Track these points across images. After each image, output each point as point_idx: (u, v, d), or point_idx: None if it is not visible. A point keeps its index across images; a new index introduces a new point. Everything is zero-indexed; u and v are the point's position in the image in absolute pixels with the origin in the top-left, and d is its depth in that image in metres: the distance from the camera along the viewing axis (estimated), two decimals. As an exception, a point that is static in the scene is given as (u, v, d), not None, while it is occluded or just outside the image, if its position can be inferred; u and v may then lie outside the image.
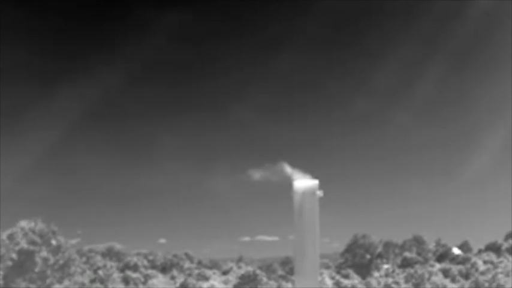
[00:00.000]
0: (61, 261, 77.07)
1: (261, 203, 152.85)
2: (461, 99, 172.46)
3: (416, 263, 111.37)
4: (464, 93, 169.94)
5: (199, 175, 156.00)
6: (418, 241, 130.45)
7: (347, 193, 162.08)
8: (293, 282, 55.01)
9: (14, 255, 73.56)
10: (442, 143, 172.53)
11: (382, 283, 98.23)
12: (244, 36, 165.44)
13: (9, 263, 73.05)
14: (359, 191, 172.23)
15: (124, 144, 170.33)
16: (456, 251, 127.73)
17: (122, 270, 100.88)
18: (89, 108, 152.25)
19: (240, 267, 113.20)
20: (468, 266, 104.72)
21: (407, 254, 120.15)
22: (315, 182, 30.11)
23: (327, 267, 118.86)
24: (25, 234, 75.58)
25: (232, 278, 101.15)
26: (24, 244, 74.47)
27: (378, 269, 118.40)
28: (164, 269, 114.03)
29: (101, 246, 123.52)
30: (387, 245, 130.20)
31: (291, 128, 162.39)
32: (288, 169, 31.08)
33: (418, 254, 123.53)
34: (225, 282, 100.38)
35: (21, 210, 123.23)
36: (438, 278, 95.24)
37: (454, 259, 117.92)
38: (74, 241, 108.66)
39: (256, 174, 32.79)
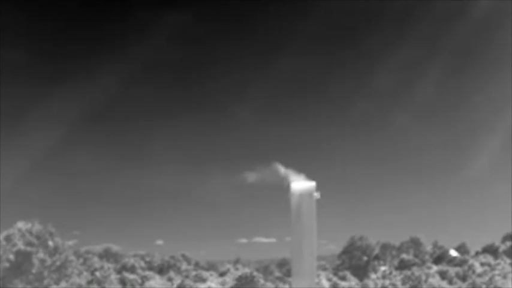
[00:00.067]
0: (58, 263, 77.11)
1: (259, 204, 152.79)
2: (462, 101, 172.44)
3: (413, 265, 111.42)
4: (465, 95, 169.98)
5: (197, 177, 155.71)
6: (415, 243, 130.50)
7: (344, 195, 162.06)
8: (290, 284, 54.98)
9: (11, 257, 73.58)
10: (441, 145, 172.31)
11: (379, 285, 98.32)
12: (244, 37, 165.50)
13: (7, 264, 73.06)
14: (356, 193, 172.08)
15: (122, 145, 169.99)
16: (453, 253, 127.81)
17: (119, 271, 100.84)
18: (89, 110, 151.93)
19: (237, 269, 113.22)
20: (465, 268, 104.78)
21: (404, 256, 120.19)
22: (312, 184, 30.19)
23: (324, 269, 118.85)
24: (22, 236, 75.61)
25: (230, 280, 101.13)
26: (21, 245, 74.49)
27: (375, 271, 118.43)
28: (161, 271, 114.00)
29: (98, 248, 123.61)
30: (384, 247, 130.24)
31: (291, 129, 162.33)
32: (282, 170, 31.18)
33: (415, 256, 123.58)
34: (222, 284, 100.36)
35: (19, 212, 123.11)
36: (435, 280, 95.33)
37: (451, 261, 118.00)
38: (71, 242, 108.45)
39: (250, 177, 32.88)
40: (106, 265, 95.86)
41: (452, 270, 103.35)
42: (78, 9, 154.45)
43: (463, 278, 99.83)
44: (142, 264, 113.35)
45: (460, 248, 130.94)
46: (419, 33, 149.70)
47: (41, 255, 75.25)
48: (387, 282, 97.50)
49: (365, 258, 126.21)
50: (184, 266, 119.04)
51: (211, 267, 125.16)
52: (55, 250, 77.25)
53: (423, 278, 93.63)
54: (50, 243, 76.96)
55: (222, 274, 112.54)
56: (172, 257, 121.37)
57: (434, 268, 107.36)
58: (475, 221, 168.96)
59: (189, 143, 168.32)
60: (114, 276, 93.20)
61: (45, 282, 75.19)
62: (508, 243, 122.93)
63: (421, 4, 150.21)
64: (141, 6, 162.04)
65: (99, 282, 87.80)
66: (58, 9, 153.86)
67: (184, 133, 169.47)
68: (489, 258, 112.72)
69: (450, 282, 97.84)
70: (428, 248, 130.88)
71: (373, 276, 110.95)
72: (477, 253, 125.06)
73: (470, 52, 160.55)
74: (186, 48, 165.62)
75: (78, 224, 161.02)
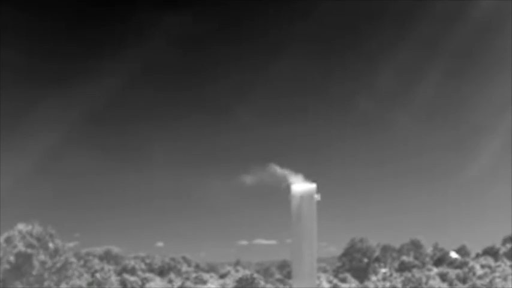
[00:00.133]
0: (58, 265, 77.04)
1: (259, 206, 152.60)
2: (462, 102, 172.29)
3: (413, 267, 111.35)
4: (465, 97, 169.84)
5: (197, 179, 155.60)
6: (416, 245, 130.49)
7: (345, 197, 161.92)
8: (291, 286, 54.98)
9: (11, 258, 73.55)
10: (441, 147, 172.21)
11: (380, 287, 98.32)
12: (244, 39, 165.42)
13: (7, 266, 73.03)
14: (357, 195, 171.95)
15: (122, 147, 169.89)
16: (454, 255, 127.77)
17: (119, 273, 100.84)
18: (89, 111, 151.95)
19: (237, 271, 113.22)
20: (466, 270, 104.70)
21: (404, 258, 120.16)
22: (313, 186, 30.19)
23: (325, 271, 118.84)
24: (23, 238, 75.58)
25: (230, 282, 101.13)
26: (21, 247, 74.46)
27: (376, 273, 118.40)
28: (162, 273, 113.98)
29: (99, 250, 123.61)
30: (385, 249, 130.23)
31: (291, 131, 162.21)
32: (278, 171, 31.17)
33: (416, 258, 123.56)
34: (223, 286, 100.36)
35: (19, 213, 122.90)
36: (436, 282, 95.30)
37: (452, 263, 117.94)
38: (71, 244, 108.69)
39: (247, 179, 32.89)
40: (106, 267, 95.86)
41: (452, 273, 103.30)
42: (79, 11, 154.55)
43: (464, 280, 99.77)
44: (143, 266, 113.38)
45: (461, 250, 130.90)
46: (419, 35, 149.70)
47: (41, 257, 75.22)
48: (387, 284, 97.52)
49: (365, 260, 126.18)
50: (184, 268, 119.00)
51: (211, 269, 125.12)
52: (55, 252, 77.20)
53: (423, 280, 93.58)
54: (51, 245, 76.91)
55: (222, 276, 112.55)
56: (172, 259, 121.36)
57: (435, 270, 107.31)
58: (476, 223, 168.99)
59: (189, 145, 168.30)
60: (114, 278, 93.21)
61: (46, 284, 75.16)
62: (509, 246, 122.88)
63: (422, 5, 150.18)
64: (141, 8, 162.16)
65: (99, 284, 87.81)
66: (58, 10, 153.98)
67: (184, 135, 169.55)
68: (489, 260, 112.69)
69: (451, 284, 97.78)
70: (429, 250, 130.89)
71: (373, 278, 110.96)
72: (477, 255, 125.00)
73: (471, 54, 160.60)
74: (186, 50, 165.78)
75: (79, 226, 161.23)
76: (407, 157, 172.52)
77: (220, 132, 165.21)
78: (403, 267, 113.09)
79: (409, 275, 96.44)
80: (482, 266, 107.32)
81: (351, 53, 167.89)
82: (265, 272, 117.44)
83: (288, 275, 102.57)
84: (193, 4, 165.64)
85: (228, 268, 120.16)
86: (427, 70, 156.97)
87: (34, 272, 74.17)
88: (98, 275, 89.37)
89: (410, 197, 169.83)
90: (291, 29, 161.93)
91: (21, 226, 76.94)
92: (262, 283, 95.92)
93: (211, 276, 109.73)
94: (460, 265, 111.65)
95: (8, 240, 75.18)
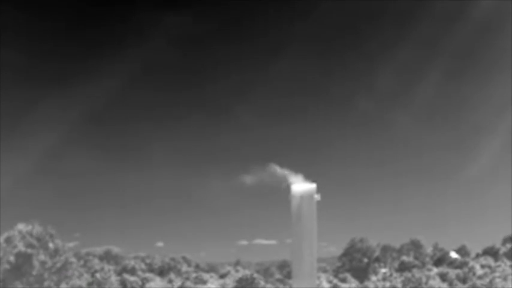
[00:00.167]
0: (58, 265, 77.06)
1: (259, 206, 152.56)
2: (462, 102, 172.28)
3: (413, 267, 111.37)
4: (465, 97, 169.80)
5: (197, 179, 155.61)
6: (416, 245, 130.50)
7: (344, 197, 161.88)
8: (291, 286, 55.01)
9: (11, 258, 73.57)
10: (441, 147, 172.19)
11: (380, 287, 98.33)
12: (244, 39, 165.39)
13: (7, 266, 73.05)
14: (357, 195, 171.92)
15: (122, 147, 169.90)
16: (454, 255, 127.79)
17: (119, 273, 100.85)
18: (88, 111, 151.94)
19: (237, 271, 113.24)
20: (466, 270, 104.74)
21: (404, 258, 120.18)
22: (313, 186, 30.21)
23: (325, 271, 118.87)
24: (23, 238, 75.60)
25: (230, 282, 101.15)
26: (21, 247, 74.47)
27: (376, 273, 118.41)
28: (162, 273, 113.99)
29: (99, 250, 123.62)
30: (385, 249, 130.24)
31: (291, 131, 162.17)
32: (278, 170, 31.19)
33: (416, 258, 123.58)
34: (223, 286, 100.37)
35: (19, 213, 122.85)
36: (436, 282, 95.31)
37: (452, 263, 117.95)
38: (71, 244, 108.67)
39: (247, 179, 32.92)
40: (106, 267, 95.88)
41: (452, 273, 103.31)
42: (78, 11, 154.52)
43: (464, 280, 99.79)
44: (143, 266, 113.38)
45: (461, 250, 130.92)
46: (419, 35, 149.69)
47: (41, 257, 75.23)
48: (387, 284, 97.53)
49: (365, 260, 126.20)
50: (184, 268, 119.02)
51: (211, 269, 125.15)
52: (55, 252, 77.22)
53: (423, 280, 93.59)
54: (51, 245, 76.93)
55: (222, 276, 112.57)
56: (172, 259, 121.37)
57: (435, 270, 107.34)
58: (476, 223, 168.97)
59: (189, 145, 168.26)
60: (114, 278, 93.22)
61: (46, 284, 75.17)
62: (509, 246, 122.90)
63: (422, 5, 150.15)
64: (141, 8, 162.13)
65: (99, 284, 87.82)
66: (58, 10, 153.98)
67: (184, 135, 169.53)
68: (489, 260, 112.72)
69: (451, 284, 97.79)
70: (429, 250, 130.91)
71: (373, 278, 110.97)
72: (477, 255, 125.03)
73: (471, 54, 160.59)
74: (186, 50, 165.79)
75: (79, 226, 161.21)
76: (407, 157, 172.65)
77: (220, 132, 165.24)
78: (403, 267, 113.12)
79: (409, 275, 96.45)
80: (482, 266, 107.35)
81: (351, 53, 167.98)
82: (265, 272, 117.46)
83: (288, 275, 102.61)
84: (193, 4, 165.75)
85: (228, 268, 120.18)
86: (427, 70, 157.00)
87: (34, 272, 74.19)
88: (98, 275, 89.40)
89: (410, 197, 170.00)
90: (291, 29, 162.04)
91: (21, 226, 76.97)
92: (262, 283, 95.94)
93: (211, 276, 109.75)
94: (460, 265, 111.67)
95: (8, 240, 75.21)
